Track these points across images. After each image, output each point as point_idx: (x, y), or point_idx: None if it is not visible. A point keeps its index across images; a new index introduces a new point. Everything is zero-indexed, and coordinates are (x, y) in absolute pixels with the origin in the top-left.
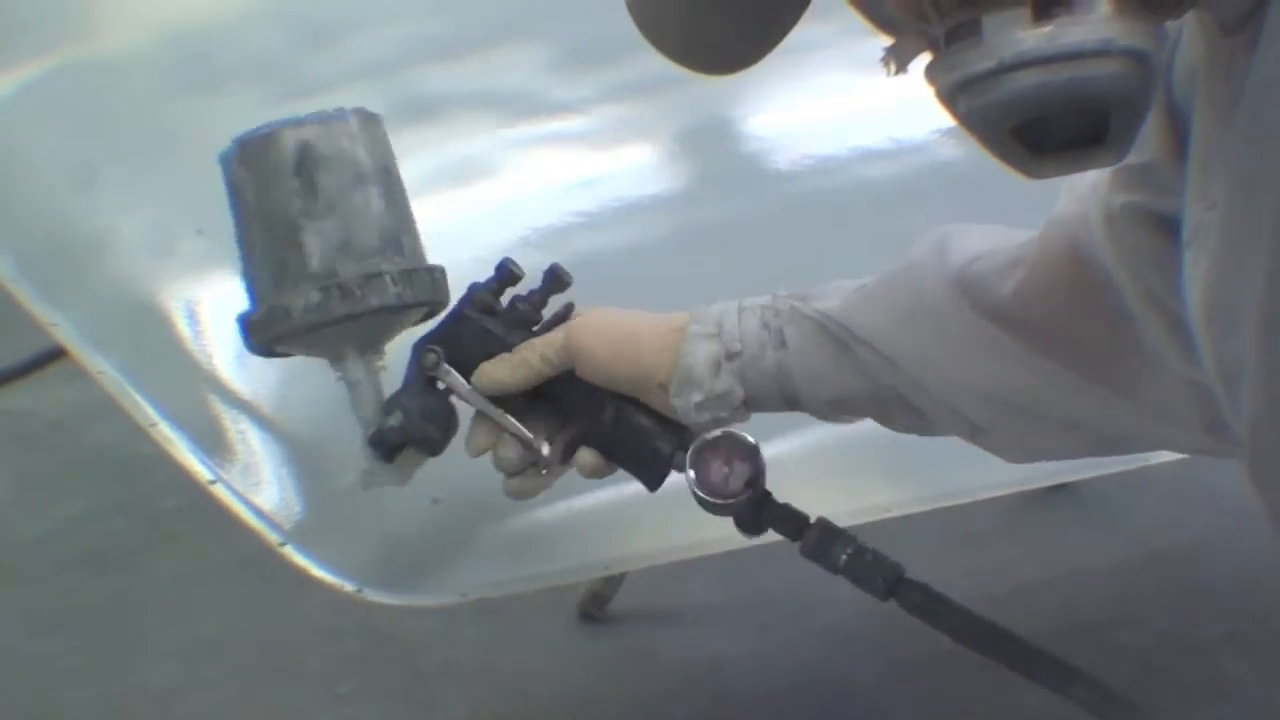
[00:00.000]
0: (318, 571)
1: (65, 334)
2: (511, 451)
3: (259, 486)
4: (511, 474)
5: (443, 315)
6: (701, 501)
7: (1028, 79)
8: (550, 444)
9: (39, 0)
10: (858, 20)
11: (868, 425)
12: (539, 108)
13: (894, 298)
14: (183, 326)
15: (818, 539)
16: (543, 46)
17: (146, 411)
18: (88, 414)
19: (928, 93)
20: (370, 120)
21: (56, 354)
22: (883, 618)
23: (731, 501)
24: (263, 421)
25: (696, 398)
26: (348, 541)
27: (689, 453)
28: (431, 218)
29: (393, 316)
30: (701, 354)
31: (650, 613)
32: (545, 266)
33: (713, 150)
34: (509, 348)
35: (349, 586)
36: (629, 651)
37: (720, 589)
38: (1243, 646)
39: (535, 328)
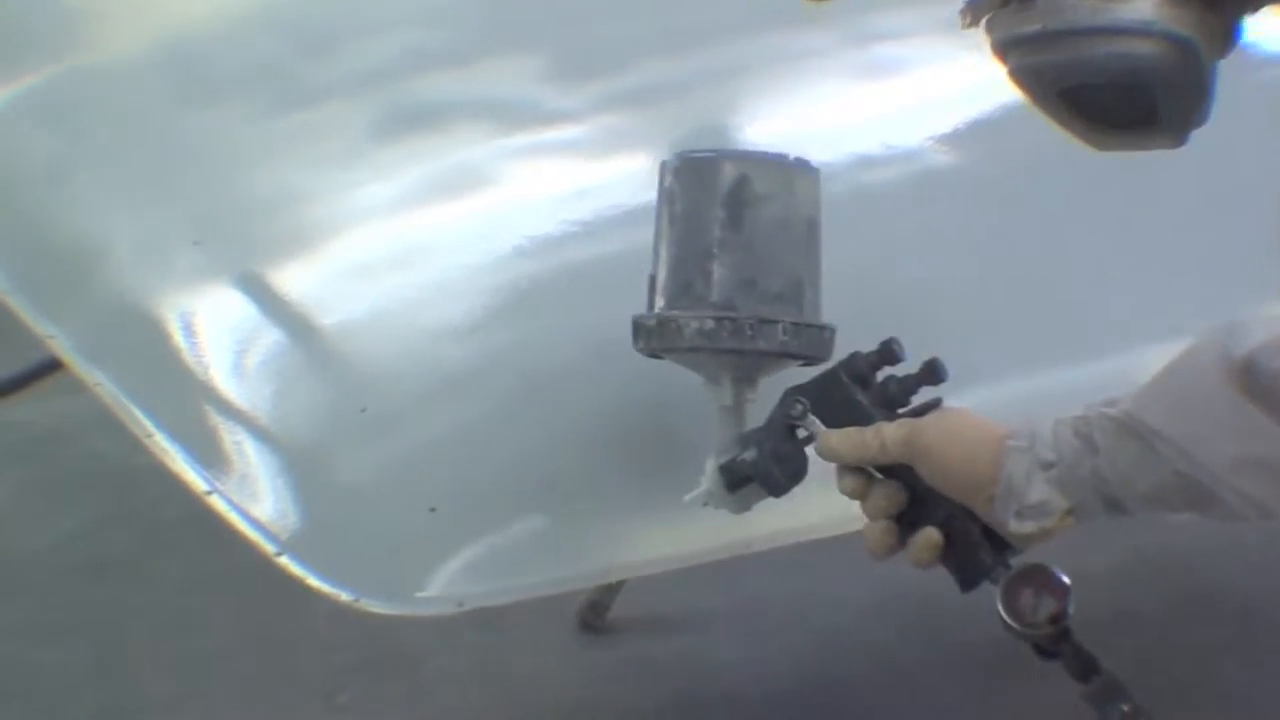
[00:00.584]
0: (314, 581)
1: (62, 346)
2: (883, 501)
3: (256, 497)
4: (875, 519)
5: (819, 369)
6: (1004, 624)
7: (1068, 46)
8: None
9: (34, 9)
10: (854, 28)
11: None
12: (535, 117)
13: (1173, 385)
14: (179, 338)
15: (1101, 689)
16: (539, 56)
17: (143, 423)
18: (86, 425)
19: (922, 100)
20: (807, 172)
21: (54, 366)
22: (881, 621)
23: (1032, 631)
24: (259, 432)
25: (1015, 508)
26: (345, 551)
27: (1006, 574)
28: (427, 227)
29: (775, 361)
30: (1019, 466)
31: (649, 620)
32: (554, 274)
33: None
34: (868, 421)
35: (346, 596)
36: (628, 660)
37: (718, 595)
38: (1243, 652)
39: (900, 410)
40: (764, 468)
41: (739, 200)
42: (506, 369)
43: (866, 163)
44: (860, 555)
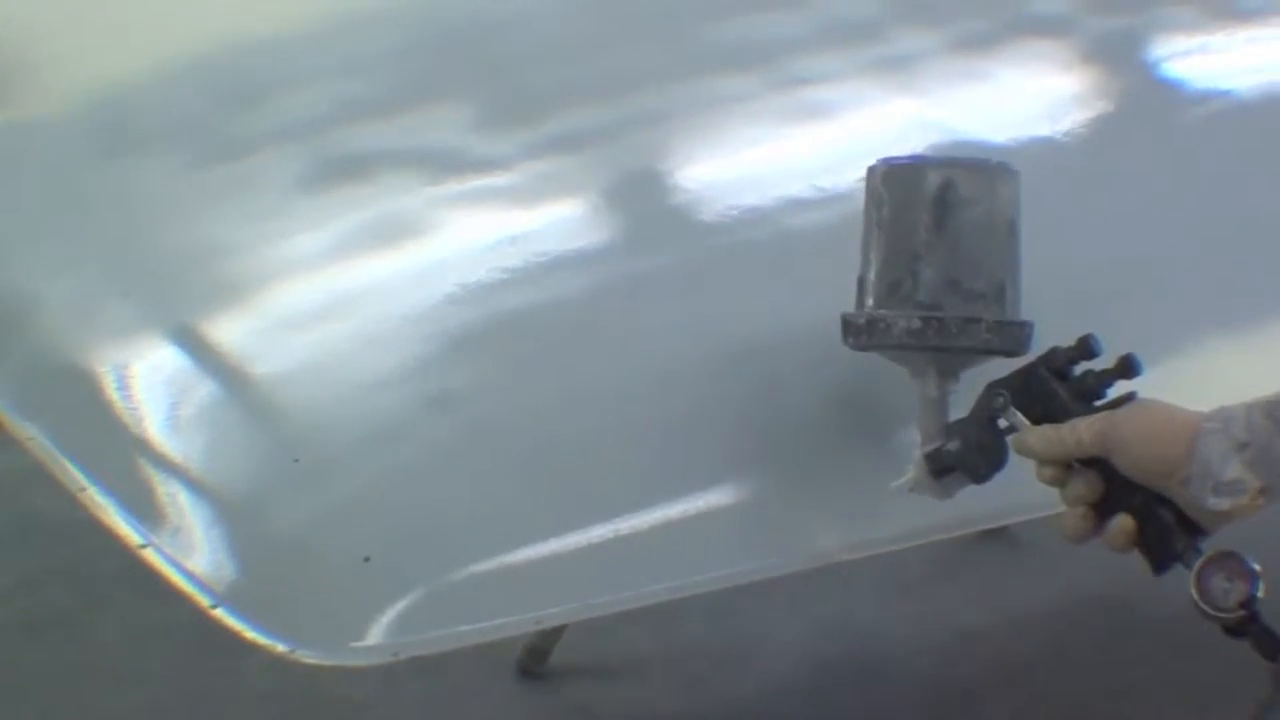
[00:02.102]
0: (250, 633)
1: None
2: (1082, 489)
3: (191, 549)
4: (1073, 507)
5: (1020, 362)
6: (1197, 606)
7: None
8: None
9: None
10: (781, 72)
11: None
12: (464, 164)
13: None
14: (111, 391)
15: None
16: (467, 103)
17: (76, 477)
18: (21, 480)
19: (851, 143)
20: (1008, 175)
21: None
22: (818, 667)
23: (1223, 615)
24: (193, 484)
25: (1211, 485)
26: (281, 602)
27: (1199, 559)
28: (358, 277)
29: (978, 356)
30: (1215, 448)
31: (589, 666)
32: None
33: (639, 204)
34: (1065, 412)
35: (282, 647)
36: (568, 707)
37: (658, 639)
38: (1180, 690)
39: (1097, 403)
40: (967, 458)
41: (944, 205)
42: (439, 417)
43: (796, 206)
44: (796, 598)
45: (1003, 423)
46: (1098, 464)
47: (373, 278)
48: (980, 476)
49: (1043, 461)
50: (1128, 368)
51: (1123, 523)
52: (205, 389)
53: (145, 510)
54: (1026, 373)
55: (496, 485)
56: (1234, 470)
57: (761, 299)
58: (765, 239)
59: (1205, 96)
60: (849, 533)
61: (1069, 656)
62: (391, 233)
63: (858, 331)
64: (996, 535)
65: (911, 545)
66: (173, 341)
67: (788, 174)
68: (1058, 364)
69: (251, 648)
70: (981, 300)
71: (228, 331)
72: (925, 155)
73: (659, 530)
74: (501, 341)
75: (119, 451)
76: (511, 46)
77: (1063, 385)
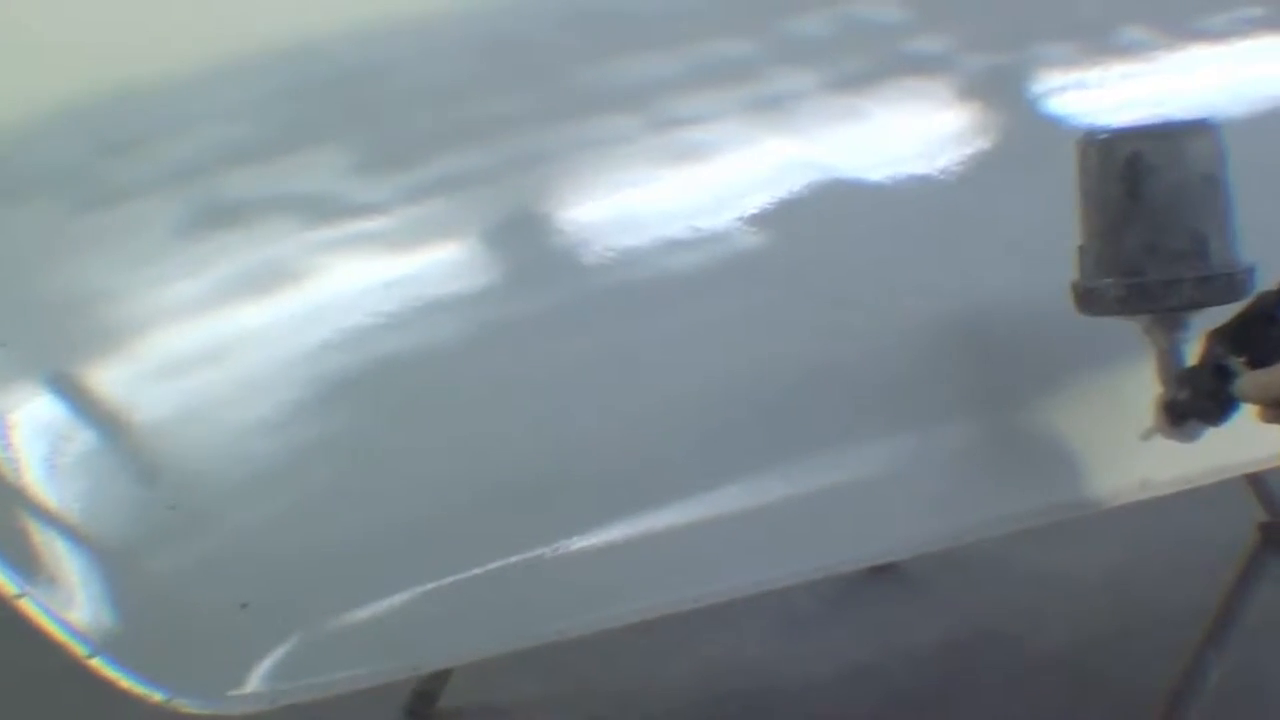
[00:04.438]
0: (127, 682)
1: None
2: None
3: (68, 598)
4: None
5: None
6: None
7: None
8: None
9: None
10: (657, 113)
11: None
12: (340, 210)
13: None
14: None
15: None
16: (343, 148)
17: None
18: None
19: (728, 184)
20: (1200, 132)
21: None
22: (709, 706)
23: None
24: (69, 532)
25: None
26: (158, 651)
27: None
28: (235, 323)
29: (1192, 311)
30: None
31: (478, 709)
32: (362, 367)
33: (516, 247)
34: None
35: (160, 696)
36: None
37: (547, 680)
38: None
39: None
40: (1196, 405)
41: (1134, 175)
42: (317, 463)
43: (673, 246)
44: (684, 636)
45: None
46: None
47: (249, 323)
48: (1214, 420)
49: (1257, 404)
50: None
51: None
52: (81, 437)
53: (21, 559)
54: (1242, 318)
55: (374, 530)
56: None
57: (638, 340)
58: (644, 280)
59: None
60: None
61: (960, 692)
62: (268, 278)
63: (1080, 301)
64: (885, 571)
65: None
66: (48, 389)
67: (665, 215)
68: (1268, 307)
69: (130, 698)
70: (1184, 259)
71: (104, 379)
72: (1120, 126)
73: (536, 573)
74: (379, 386)
75: None
76: (387, 91)
77: (1274, 328)
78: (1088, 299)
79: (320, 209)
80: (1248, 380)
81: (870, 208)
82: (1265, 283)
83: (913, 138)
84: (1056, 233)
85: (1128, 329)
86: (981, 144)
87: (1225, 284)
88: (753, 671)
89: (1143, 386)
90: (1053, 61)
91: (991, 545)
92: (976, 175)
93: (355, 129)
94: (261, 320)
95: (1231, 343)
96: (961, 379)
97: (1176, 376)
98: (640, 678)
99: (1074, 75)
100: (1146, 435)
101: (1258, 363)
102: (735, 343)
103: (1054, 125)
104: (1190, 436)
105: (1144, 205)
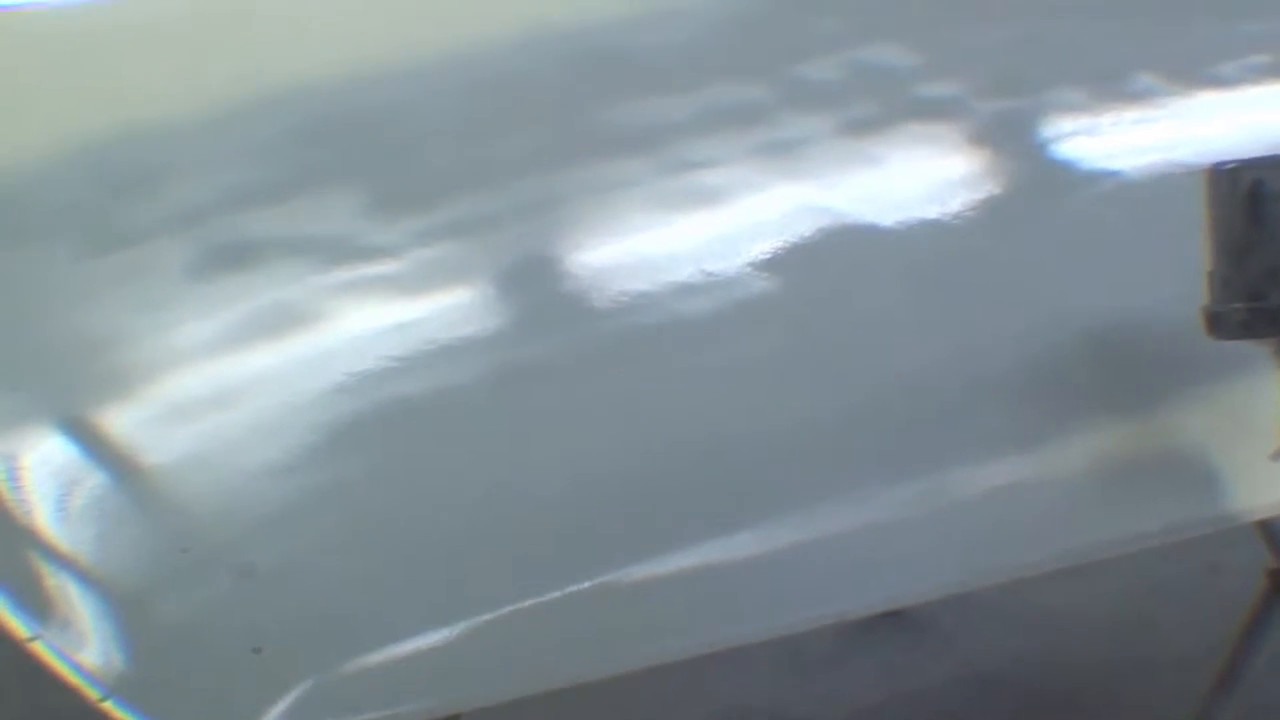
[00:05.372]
0: None
1: None
2: None
3: (80, 641)
4: None
5: None
6: None
7: None
8: None
9: None
10: (667, 157)
11: None
12: (353, 252)
13: None
14: (1, 482)
15: None
16: (356, 191)
17: None
18: None
19: (739, 228)
20: None
21: None
22: None
23: None
24: (82, 576)
25: None
26: (171, 694)
27: None
28: (246, 366)
29: None
30: None
31: None
32: (374, 410)
33: (527, 291)
34: None
35: None
36: None
37: None
38: None
39: None
40: None
41: (1256, 202)
42: (328, 507)
43: (683, 290)
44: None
45: None
46: None
47: (262, 367)
48: None
49: None
50: None
51: None
52: (94, 480)
53: (34, 602)
54: None
55: (386, 574)
56: None
57: (651, 383)
58: (656, 324)
59: (1094, 178)
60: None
61: None
62: (280, 321)
63: (1208, 325)
64: (891, 615)
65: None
66: (61, 433)
67: (677, 259)
68: None
69: None
70: None
71: (117, 422)
72: (1245, 157)
73: (549, 618)
74: (391, 429)
75: (6, 543)
76: (400, 134)
77: None
78: (1215, 322)
79: (332, 252)
80: None
81: (881, 251)
82: None
83: (925, 181)
84: (1069, 274)
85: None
86: (992, 188)
87: None
88: (759, 715)
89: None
90: (1062, 106)
91: (991, 589)
92: (987, 219)
93: (367, 172)
94: (274, 363)
95: None
96: (968, 425)
97: None
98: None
99: (1084, 120)
100: (1275, 456)
101: None
102: (748, 385)
103: (1064, 169)
104: None
105: (1265, 232)
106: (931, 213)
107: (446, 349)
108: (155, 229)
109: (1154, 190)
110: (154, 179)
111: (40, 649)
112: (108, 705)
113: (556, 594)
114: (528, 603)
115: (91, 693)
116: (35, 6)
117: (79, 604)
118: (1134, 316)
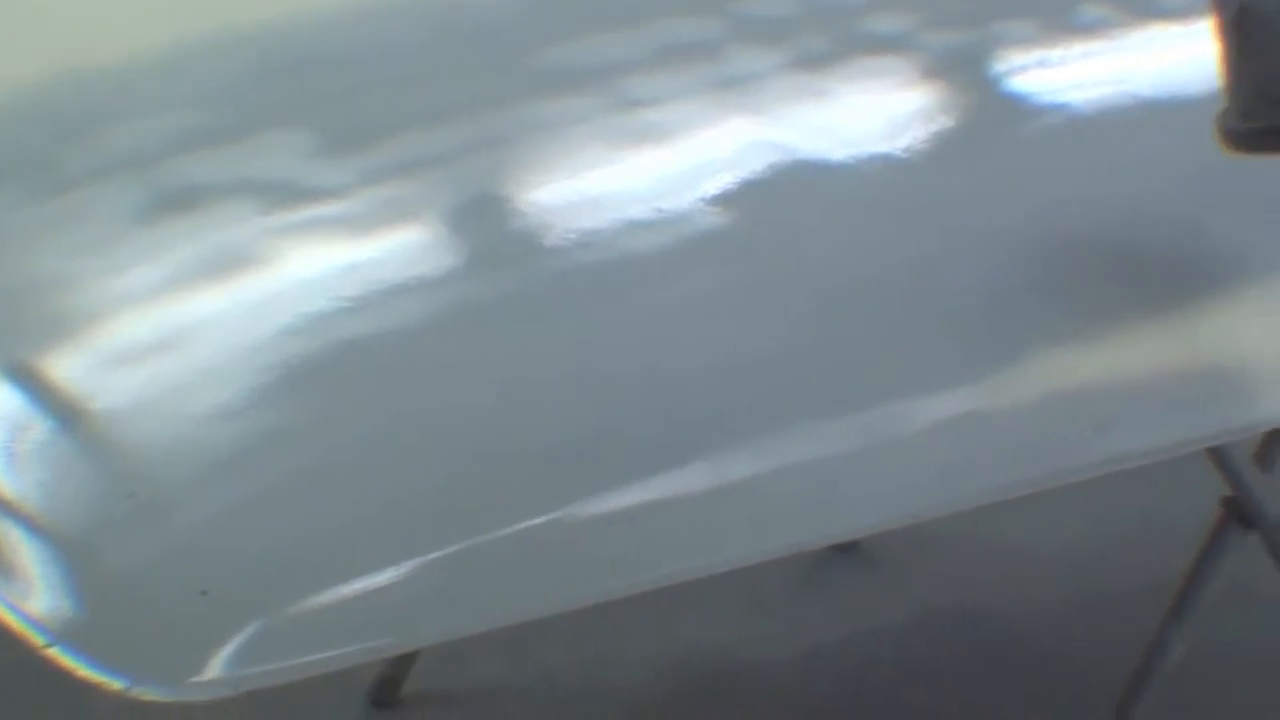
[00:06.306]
0: (86, 671)
1: None
2: None
3: (25, 588)
4: None
5: None
6: None
7: None
8: None
9: None
10: (614, 94)
11: None
12: (300, 194)
13: None
14: None
15: None
16: (301, 132)
17: None
18: None
19: (690, 165)
20: None
21: None
22: (677, 689)
23: None
24: (27, 523)
25: None
26: (118, 639)
27: None
28: (194, 309)
29: None
30: None
31: (442, 695)
32: (322, 352)
33: (478, 230)
34: None
35: (119, 684)
36: None
37: (513, 666)
38: (1029, 699)
39: None
40: None
41: (1243, 23)
42: (277, 449)
43: (635, 228)
44: (652, 619)
45: None
46: None
47: (209, 309)
48: None
49: None
50: None
51: None
52: (38, 426)
53: None
54: None
55: (336, 515)
56: None
57: (603, 321)
58: (607, 261)
59: (1045, 110)
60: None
61: (926, 671)
62: (227, 263)
63: (1219, 137)
64: (847, 550)
65: None
66: (3, 378)
67: (627, 197)
68: None
69: (91, 689)
70: None
71: (61, 367)
72: None
73: (500, 554)
74: (341, 372)
75: None
76: (345, 74)
77: None
78: (1221, 135)
79: (279, 193)
80: None
81: (833, 185)
82: None
83: (876, 116)
84: (1019, 207)
85: None
86: (943, 121)
87: None
88: (720, 654)
89: None
90: (1012, 40)
91: (951, 522)
92: (938, 152)
93: (314, 113)
94: (221, 306)
95: None
96: (924, 355)
97: None
98: (604, 662)
99: (1034, 53)
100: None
101: None
102: (700, 323)
103: (1014, 102)
104: None
105: (1255, 53)
106: (883, 147)
107: (396, 288)
108: (98, 173)
109: (1104, 122)
110: (97, 123)
111: None
112: (53, 652)
113: (508, 530)
114: (479, 539)
115: (36, 639)
116: None
117: (22, 550)
118: (1084, 248)
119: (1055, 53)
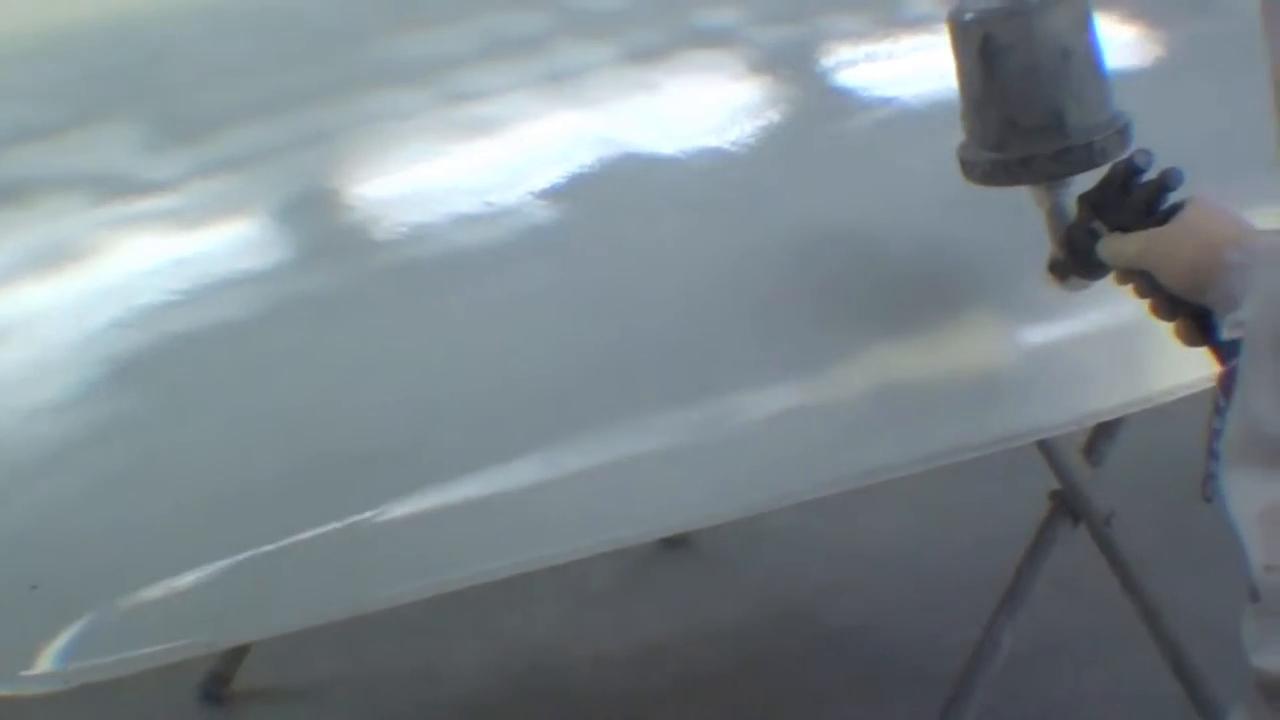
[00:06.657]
0: None
1: None
2: (1138, 296)
3: None
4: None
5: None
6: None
7: None
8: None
9: None
10: (444, 88)
11: None
12: (130, 187)
13: None
14: None
15: None
16: (130, 125)
17: None
18: None
19: (518, 158)
20: (1053, 8)
21: None
22: (504, 683)
23: None
24: None
25: (1228, 320)
26: None
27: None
28: (20, 304)
29: (1058, 180)
30: (1234, 282)
31: (274, 689)
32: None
33: (308, 223)
34: (1137, 224)
35: None
36: None
37: (343, 659)
38: (863, 691)
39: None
40: (1070, 263)
41: (988, 56)
42: (107, 442)
43: (464, 221)
44: (480, 614)
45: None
46: (1148, 275)
47: (38, 302)
48: (1092, 276)
49: (1112, 268)
50: (1167, 179)
51: (1175, 329)
52: None
53: None
54: (1102, 185)
55: (167, 508)
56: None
57: (431, 315)
58: (435, 255)
59: (873, 104)
60: None
61: (755, 664)
62: (55, 257)
63: (961, 169)
64: (679, 544)
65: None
66: None
67: (456, 190)
68: (1119, 176)
69: None
70: (1041, 133)
71: None
72: (979, 6)
73: (332, 548)
74: (170, 365)
75: None
76: (174, 68)
77: (1127, 196)
78: (964, 169)
79: (109, 186)
80: (1104, 245)
81: (662, 179)
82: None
83: (705, 110)
84: (848, 200)
85: None
86: (771, 116)
87: (1084, 154)
88: (547, 648)
89: None
90: (840, 34)
91: (780, 515)
92: (766, 146)
93: (142, 106)
94: (49, 299)
95: (1094, 208)
96: (751, 349)
97: (1057, 237)
98: (434, 658)
99: (862, 47)
100: (1045, 282)
101: (1116, 227)
102: (527, 317)
103: (842, 96)
104: (1076, 288)
105: (999, 85)
106: (712, 141)
107: (226, 282)
108: None
109: (931, 115)
110: None
111: None
112: None
113: (336, 525)
114: (306, 535)
115: None
116: None
117: None
118: (913, 240)
119: (884, 47)
